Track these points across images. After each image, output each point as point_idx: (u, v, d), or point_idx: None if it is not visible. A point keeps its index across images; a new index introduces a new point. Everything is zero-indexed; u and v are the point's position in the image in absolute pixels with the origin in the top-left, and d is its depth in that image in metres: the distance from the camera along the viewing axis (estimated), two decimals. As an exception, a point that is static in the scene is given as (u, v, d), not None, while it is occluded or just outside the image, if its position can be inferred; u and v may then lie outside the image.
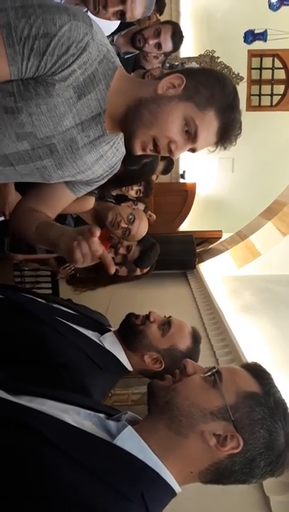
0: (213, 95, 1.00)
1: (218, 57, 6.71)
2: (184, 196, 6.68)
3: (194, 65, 6.72)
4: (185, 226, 6.82)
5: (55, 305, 1.51)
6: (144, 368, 1.39)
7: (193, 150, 1.05)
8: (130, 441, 0.77)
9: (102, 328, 1.49)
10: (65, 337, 1.31)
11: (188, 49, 6.61)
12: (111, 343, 1.40)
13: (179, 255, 4.26)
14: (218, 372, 0.84)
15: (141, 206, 2.53)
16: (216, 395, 0.80)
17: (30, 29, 0.86)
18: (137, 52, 2.30)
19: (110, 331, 1.47)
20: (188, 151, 1.06)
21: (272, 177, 6.03)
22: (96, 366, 1.30)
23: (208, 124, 1.00)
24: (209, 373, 0.84)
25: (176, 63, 5.34)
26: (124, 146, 1.13)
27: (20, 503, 0.62)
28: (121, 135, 1.11)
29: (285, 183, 5.01)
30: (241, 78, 6.73)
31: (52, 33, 0.87)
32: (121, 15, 1.51)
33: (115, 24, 2.02)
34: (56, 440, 0.71)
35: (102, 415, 0.87)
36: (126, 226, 2.07)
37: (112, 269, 0.95)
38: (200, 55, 6.74)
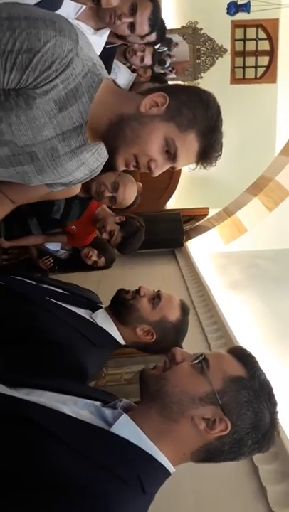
0: (195, 117, 1.00)
1: (201, 29, 6.60)
2: (169, 172, 6.66)
3: (177, 37, 6.59)
4: (172, 203, 6.83)
5: (44, 285, 1.55)
6: (136, 340, 1.44)
7: (173, 168, 1.07)
8: (126, 428, 0.82)
9: (93, 305, 1.54)
10: (56, 316, 1.36)
11: (171, 21, 6.47)
12: (103, 319, 1.45)
13: (167, 234, 4.28)
14: (206, 359, 0.89)
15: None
16: (203, 381, 0.85)
17: (14, 43, 0.86)
18: (120, 43, 2.24)
19: (101, 307, 1.52)
20: (169, 168, 1.08)
21: (257, 152, 6.04)
22: (89, 342, 1.35)
23: (188, 146, 1.02)
24: (197, 361, 0.88)
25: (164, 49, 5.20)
26: (108, 160, 1.14)
27: (26, 493, 0.67)
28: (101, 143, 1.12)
29: (271, 157, 5.03)
30: (225, 50, 6.65)
31: (36, 49, 0.87)
32: (131, 27, 1.62)
33: (101, 44, 1.97)
34: (56, 431, 0.76)
35: (98, 403, 0.92)
36: (110, 195, 2.08)
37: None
38: (182, 27, 6.62)
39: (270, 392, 0.87)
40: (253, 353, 0.94)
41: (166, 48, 5.53)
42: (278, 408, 0.88)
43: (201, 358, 0.89)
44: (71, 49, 0.91)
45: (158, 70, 6.14)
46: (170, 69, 6.56)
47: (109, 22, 1.93)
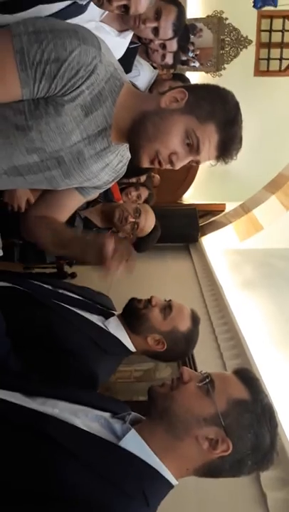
0: (214, 110, 1.03)
1: (226, 19, 6.44)
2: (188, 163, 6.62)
3: (201, 26, 6.49)
4: (189, 195, 6.81)
5: (60, 290, 1.60)
6: (147, 348, 1.49)
7: (197, 162, 1.08)
8: (133, 443, 0.87)
9: (106, 311, 1.59)
10: (71, 323, 1.41)
11: (195, 9, 6.36)
12: (115, 327, 1.49)
13: (181, 229, 4.30)
14: (211, 381, 0.93)
15: (144, 191, 2.56)
16: (208, 402, 0.90)
17: (42, 54, 0.91)
18: (140, 44, 2.24)
19: (114, 314, 1.57)
20: (193, 163, 1.09)
21: (279, 147, 5.95)
22: (101, 350, 1.40)
23: (209, 137, 1.03)
24: (203, 382, 0.93)
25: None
26: (132, 159, 1.17)
27: (36, 506, 0.72)
28: (125, 144, 1.15)
29: (290, 155, 4.96)
30: (250, 41, 6.50)
31: (62, 58, 0.92)
32: (125, 9, 1.49)
33: (124, 46, 1.95)
34: (67, 444, 0.81)
35: (107, 415, 0.97)
36: (134, 220, 2.13)
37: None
38: (207, 16, 6.48)
39: (271, 416, 0.91)
40: (257, 377, 0.98)
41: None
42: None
43: (207, 380, 0.93)
44: (95, 56, 0.96)
45: (181, 57, 6.07)
46: (193, 55, 6.47)
47: (134, 26, 1.94)
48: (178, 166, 1.06)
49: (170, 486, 0.88)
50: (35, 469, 0.77)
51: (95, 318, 1.50)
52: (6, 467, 0.78)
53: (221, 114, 1.03)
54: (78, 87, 0.96)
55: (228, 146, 1.05)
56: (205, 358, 2.32)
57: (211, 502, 1.44)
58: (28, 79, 0.92)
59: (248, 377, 0.96)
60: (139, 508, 0.80)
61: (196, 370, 2.18)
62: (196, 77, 6.65)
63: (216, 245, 4.57)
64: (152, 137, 1.03)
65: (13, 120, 1.00)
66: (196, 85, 1.11)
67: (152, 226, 2.24)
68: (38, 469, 0.77)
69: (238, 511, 1.45)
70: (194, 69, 6.74)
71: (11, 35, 0.91)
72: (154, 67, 3.20)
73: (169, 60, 2.59)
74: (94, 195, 1.31)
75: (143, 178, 2.67)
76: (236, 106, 1.06)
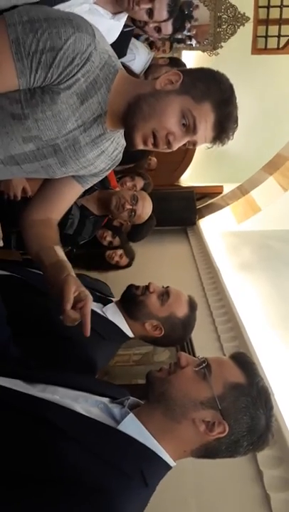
0: (209, 89, 1.03)
1: (223, -5, 6.31)
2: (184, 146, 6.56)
3: (198, 2, 6.35)
4: (186, 177, 6.78)
5: None
6: (145, 334, 1.52)
7: (193, 143, 1.08)
8: (132, 426, 0.90)
9: (104, 298, 1.61)
10: None
11: (192, -14, 6.21)
12: (113, 313, 1.52)
13: (179, 212, 4.29)
14: (208, 366, 0.95)
15: (140, 181, 2.56)
16: (205, 386, 0.92)
17: (38, 44, 0.90)
18: (135, 27, 2.20)
19: (112, 301, 1.58)
20: (189, 145, 1.09)
21: (276, 127, 5.89)
22: (99, 336, 1.42)
23: (206, 116, 1.03)
24: (200, 367, 0.95)
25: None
26: (126, 142, 1.17)
27: (37, 486, 0.75)
28: (121, 130, 1.15)
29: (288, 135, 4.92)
30: (247, 18, 6.36)
31: (58, 47, 0.91)
32: (150, 13, 1.61)
33: (118, 28, 1.92)
34: (67, 429, 0.84)
35: (106, 400, 1.00)
36: (131, 207, 2.13)
37: (87, 332, 1.02)
38: (204, -8, 6.34)
39: (267, 398, 0.94)
40: (253, 361, 1.00)
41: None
42: (279, 397, 0.94)
43: (204, 364, 0.95)
44: (90, 43, 0.95)
45: (177, 35, 5.96)
46: (190, 33, 6.34)
47: (128, 7, 1.90)
48: (175, 146, 1.06)
49: (168, 467, 0.91)
50: (37, 453, 0.80)
51: (93, 305, 1.50)
52: (7, 452, 0.80)
53: (216, 94, 1.03)
54: (74, 75, 0.96)
55: (224, 125, 1.05)
56: (202, 340, 2.36)
57: (209, 481, 1.48)
58: (24, 69, 0.92)
59: (244, 361, 0.98)
60: (137, 488, 0.83)
61: (193, 352, 2.23)
62: (192, 56, 6.54)
63: (214, 228, 4.56)
64: (147, 117, 1.03)
65: (9, 109, 0.99)
66: (191, 68, 1.12)
67: (149, 213, 2.24)
68: (40, 453, 0.80)
69: (236, 489, 1.49)
70: (191, 47, 6.63)
71: (6, 24, 0.90)
72: (150, 43, 3.14)
73: (168, 30, 2.47)
74: (92, 184, 1.31)
75: (140, 183, 2.64)
76: (231, 87, 1.06)
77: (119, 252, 2.65)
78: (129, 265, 2.71)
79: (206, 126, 1.04)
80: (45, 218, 1.25)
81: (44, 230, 1.23)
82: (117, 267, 2.65)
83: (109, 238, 2.68)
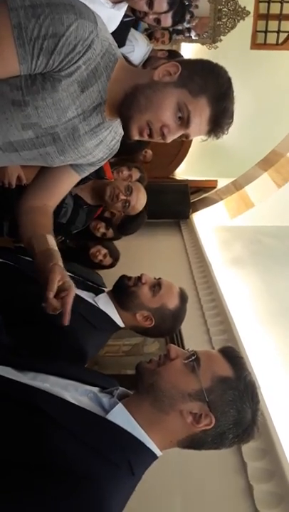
0: (206, 83, 1.03)
1: (224, -12, 6.27)
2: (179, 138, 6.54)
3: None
4: (181, 169, 6.77)
5: None
6: (136, 324, 1.53)
7: (186, 136, 1.09)
8: (120, 416, 0.91)
9: (96, 288, 1.62)
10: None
11: (193, -23, 6.15)
12: (105, 303, 1.53)
13: (173, 205, 4.30)
14: (197, 359, 0.96)
15: (136, 173, 2.55)
16: (194, 379, 0.94)
17: (40, 29, 0.89)
18: (134, 17, 2.19)
19: (104, 291, 1.60)
20: (182, 137, 1.09)
21: (273, 123, 5.90)
22: (91, 325, 1.43)
23: (201, 110, 1.04)
24: (189, 360, 0.96)
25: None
26: (123, 129, 1.17)
27: (27, 473, 0.76)
28: (118, 119, 1.15)
29: (284, 132, 4.93)
30: (247, 12, 6.34)
31: (60, 33, 0.90)
32: (150, 4, 1.72)
33: (118, 18, 1.91)
34: (57, 417, 0.85)
35: (96, 389, 1.01)
36: (125, 198, 2.13)
37: (65, 321, 1.04)
38: (205, -15, 6.29)
39: (253, 392, 0.96)
40: (241, 355, 1.02)
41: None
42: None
43: (193, 357, 0.96)
44: (92, 30, 0.95)
45: (177, 27, 5.91)
46: (190, 25, 6.30)
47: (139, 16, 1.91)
48: (169, 139, 1.07)
49: (154, 456, 0.93)
50: (26, 440, 0.81)
51: (84, 294, 1.53)
52: None
53: (213, 88, 1.04)
54: (75, 62, 0.96)
55: (219, 120, 1.06)
56: (192, 332, 2.38)
57: (194, 471, 1.51)
58: (26, 55, 0.91)
59: (232, 355, 1.00)
60: (124, 476, 0.85)
61: (182, 344, 2.25)
62: (191, 48, 6.50)
63: (207, 222, 4.58)
64: (143, 108, 1.03)
65: (9, 96, 0.99)
66: (189, 59, 1.11)
67: (143, 204, 2.24)
68: (29, 440, 0.81)
69: (220, 480, 1.52)
70: (190, 40, 6.58)
71: (8, 8, 0.89)
72: (150, 34, 3.11)
73: (167, 22, 2.46)
74: (88, 173, 1.31)
75: (136, 175, 2.63)
76: (228, 81, 1.06)
77: (104, 251, 2.65)
78: (112, 266, 2.71)
79: (200, 121, 1.05)
80: (41, 205, 1.25)
81: (39, 217, 1.24)
82: (101, 266, 2.65)
83: (102, 230, 2.69)
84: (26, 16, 0.89)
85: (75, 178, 1.28)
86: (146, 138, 1.08)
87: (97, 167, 1.31)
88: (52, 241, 1.18)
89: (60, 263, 1.11)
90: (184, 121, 1.04)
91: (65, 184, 1.29)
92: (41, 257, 1.13)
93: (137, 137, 1.08)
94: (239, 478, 1.51)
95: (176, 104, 1.03)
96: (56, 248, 1.18)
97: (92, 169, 1.30)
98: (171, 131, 1.05)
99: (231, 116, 1.08)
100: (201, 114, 1.04)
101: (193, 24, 6.44)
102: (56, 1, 0.92)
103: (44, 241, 1.17)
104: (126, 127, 1.08)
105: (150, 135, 1.06)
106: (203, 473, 1.51)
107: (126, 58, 2.10)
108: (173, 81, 1.03)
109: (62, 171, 1.23)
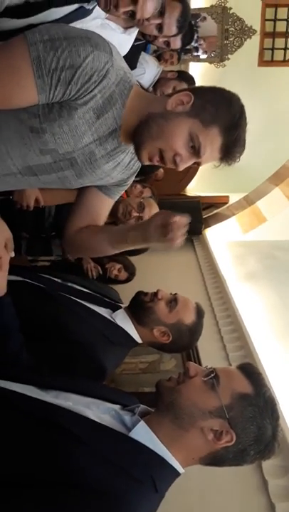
0: (218, 113, 1.06)
1: (230, 8, 6.39)
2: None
3: (205, 15, 6.43)
4: (192, 186, 6.82)
5: (69, 284, 1.65)
6: (153, 340, 1.55)
7: (198, 164, 1.12)
8: (143, 433, 0.92)
9: (113, 304, 1.64)
10: (79, 315, 1.46)
11: (200, -1, 6.31)
12: (122, 319, 1.55)
13: (185, 222, 4.32)
14: (216, 376, 0.98)
15: (147, 192, 2.60)
16: (213, 396, 0.95)
17: (58, 61, 0.94)
18: (145, 41, 2.25)
19: (121, 307, 1.62)
20: (194, 164, 1.13)
21: (281, 139, 5.94)
22: (108, 341, 1.45)
23: (212, 140, 1.07)
24: (209, 377, 0.98)
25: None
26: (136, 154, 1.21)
27: (49, 489, 0.77)
28: None
29: (295, 146, 4.96)
30: (254, 31, 6.45)
31: (77, 65, 0.95)
32: (131, 15, 1.54)
33: (129, 42, 1.97)
34: (81, 435, 0.86)
35: (118, 407, 1.02)
36: (137, 214, 2.17)
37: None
38: (212, 6, 6.42)
39: (273, 408, 0.96)
40: (259, 371, 1.03)
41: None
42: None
43: (212, 374, 0.98)
44: (107, 61, 1.00)
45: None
46: (198, 44, 6.41)
47: (138, 22, 1.96)
48: (181, 167, 1.10)
49: (177, 473, 0.94)
50: (49, 458, 0.82)
51: (102, 311, 1.55)
52: (20, 456, 0.83)
53: (225, 118, 1.06)
54: (91, 91, 1.00)
55: (230, 150, 1.08)
56: (208, 349, 2.38)
57: (214, 488, 1.50)
58: (44, 85, 0.96)
59: (251, 372, 1.01)
60: (148, 493, 0.85)
61: (199, 361, 2.25)
62: (199, 67, 6.61)
63: (220, 238, 4.60)
64: (155, 136, 1.07)
65: (27, 123, 1.04)
66: (202, 87, 1.13)
67: None
68: (52, 458, 0.82)
69: (241, 498, 1.51)
70: (198, 59, 6.71)
71: (28, 43, 0.94)
72: (158, 55, 3.18)
73: (176, 44, 2.52)
74: (119, 195, 1.36)
75: (148, 193, 2.67)
76: (241, 109, 1.08)
77: (118, 266, 2.66)
78: (128, 280, 2.71)
79: (211, 150, 1.08)
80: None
81: (94, 228, 1.32)
82: (116, 281, 2.67)
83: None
84: (45, 49, 0.94)
85: (107, 202, 1.34)
86: (156, 163, 1.11)
87: (125, 187, 1.35)
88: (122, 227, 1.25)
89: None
90: (196, 151, 1.07)
91: (102, 211, 1.34)
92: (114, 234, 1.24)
93: (146, 162, 1.12)
94: (261, 496, 1.50)
95: (188, 135, 1.06)
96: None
97: (122, 189, 1.35)
98: (184, 160, 1.08)
99: (243, 145, 1.10)
100: (212, 144, 1.07)
101: (201, 42, 6.55)
102: (73, 34, 0.98)
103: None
104: (137, 152, 1.12)
105: (163, 161, 1.09)
106: (223, 491, 1.50)
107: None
108: (185, 111, 1.07)
109: (96, 199, 1.30)
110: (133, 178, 1.34)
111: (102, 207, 1.33)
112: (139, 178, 2.68)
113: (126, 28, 2.08)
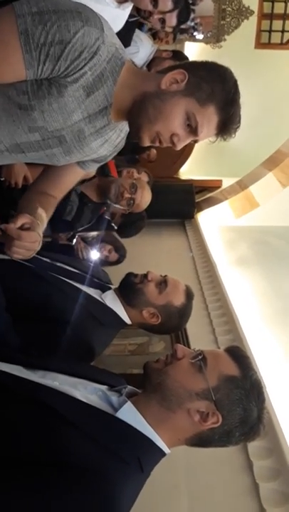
0: (213, 91, 1.05)
1: (228, -13, 6.26)
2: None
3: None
4: (186, 170, 6.78)
5: (58, 264, 1.64)
6: (142, 321, 1.55)
7: (195, 141, 1.11)
8: (129, 414, 0.93)
9: (102, 285, 1.64)
10: (68, 296, 1.45)
11: (197, -23, 6.14)
12: (111, 300, 1.55)
13: (177, 205, 4.31)
14: (204, 358, 0.98)
15: (144, 176, 2.57)
16: (200, 378, 0.95)
17: (47, 36, 0.91)
18: (139, 17, 2.19)
19: (110, 288, 1.61)
20: (191, 142, 1.12)
21: (276, 123, 5.89)
22: (98, 322, 1.45)
23: (209, 119, 1.06)
24: (196, 359, 0.98)
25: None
26: (133, 138, 1.19)
27: (36, 467, 0.77)
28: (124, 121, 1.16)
29: (289, 131, 4.92)
30: (251, 12, 6.32)
31: (66, 40, 0.92)
32: (154, 3, 1.66)
33: (124, 18, 1.92)
34: (67, 415, 0.86)
35: (105, 387, 1.02)
36: (129, 196, 2.14)
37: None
38: (209, -16, 6.29)
39: (259, 391, 0.97)
40: (247, 354, 1.03)
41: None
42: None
43: (200, 357, 0.98)
44: (98, 37, 0.96)
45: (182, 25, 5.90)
46: (194, 23, 6.28)
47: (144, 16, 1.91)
48: (179, 146, 1.09)
49: (163, 454, 0.94)
50: (37, 438, 0.83)
51: (92, 292, 1.55)
52: (7, 436, 0.83)
53: (221, 95, 1.05)
54: (81, 69, 0.97)
55: (227, 126, 1.08)
56: (197, 332, 2.39)
57: (200, 468, 1.52)
58: (32, 60, 0.93)
59: (238, 355, 1.01)
60: (134, 473, 0.86)
61: (188, 343, 2.26)
62: (195, 48, 6.50)
63: (212, 222, 4.59)
64: (153, 119, 1.05)
65: (16, 100, 1.01)
66: (195, 64, 1.11)
67: (148, 202, 2.25)
68: (40, 437, 0.83)
69: (226, 478, 1.54)
70: (194, 39, 6.58)
71: (15, 15, 0.91)
72: (154, 34, 3.11)
73: (172, 22, 2.44)
74: (93, 169, 1.33)
75: (145, 178, 2.62)
76: (235, 84, 1.08)
77: (108, 247, 2.64)
78: (119, 261, 2.69)
79: (208, 128, 1.07)
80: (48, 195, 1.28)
81: (42, 198, 1.24)
82: (107, 262, 2.65)
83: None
84: (33, 22, 0.91)
85: (79, 173, 1.31)
86: (157, 145, 1.10)
87: (101, 164, 1.33)
88: (42, 214, 1.16)
89: (40, 230, 1.10)
90: (193, 130, 1.07)
91: (70, 179, 1.31)
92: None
93: (148, 144, 1.11)
94: (245, 476, 1.52)
95: (185, 114, 1.05)
96: (43, 220, 1.16)
97: (96, 165, 1.32)
98: (181, 140, 1.08)
99: (239, 121, 1.10)
100: (209, 122, 1.06)
101: (197, 21, 6.41)
102: (63, 8, 0.94)
103: (34, 208, 1.14)
104: (137, 136, 1.10)
105: (160, 142, 1.09)
106: (209, 471, 1.53)
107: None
108: (180, 89, 1.05)
109: (67, 166, 1.26)
110: (111, 157, 1.32)
111: (73, 177, 1.31)
112: (132, 156, 2.65)
113: (120, 2, 2.02)
